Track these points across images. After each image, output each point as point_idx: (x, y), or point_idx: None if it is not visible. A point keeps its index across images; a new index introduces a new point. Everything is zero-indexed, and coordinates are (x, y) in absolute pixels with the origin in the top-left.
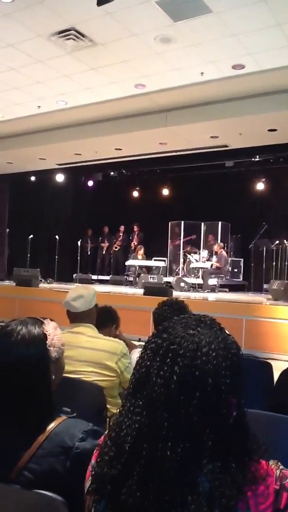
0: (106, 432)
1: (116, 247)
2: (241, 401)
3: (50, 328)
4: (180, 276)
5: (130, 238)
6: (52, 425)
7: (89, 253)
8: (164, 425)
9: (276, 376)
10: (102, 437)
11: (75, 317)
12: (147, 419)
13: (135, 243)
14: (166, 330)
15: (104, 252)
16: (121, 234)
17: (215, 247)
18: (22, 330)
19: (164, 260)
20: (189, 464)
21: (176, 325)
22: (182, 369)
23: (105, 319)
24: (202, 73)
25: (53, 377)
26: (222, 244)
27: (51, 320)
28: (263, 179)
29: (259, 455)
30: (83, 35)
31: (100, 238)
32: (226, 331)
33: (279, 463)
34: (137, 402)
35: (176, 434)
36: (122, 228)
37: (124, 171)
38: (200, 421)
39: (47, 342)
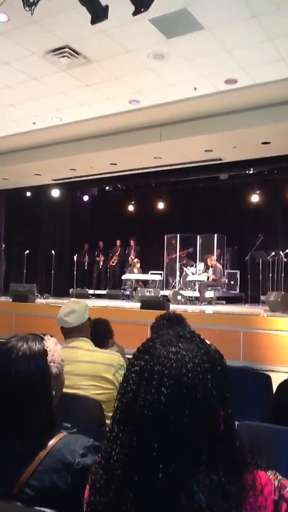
0: (96, 459)
1: (113, 262)
2: (228, 411)
3: (51, 344)
4: (176, 289)
5: (127, 252)
6: (52, 441)
7: (86, 267)
8: (155, 447)
9: (275, 387)
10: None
11: (70, 332)
12: (136, 444)
13: (132, 257)
14: (147, 351)
15: (100, 266)
16: (118, 248)
17: (208, 261)
18: (22, 346)
19: (161, 274)
20: (184, 482)
21: (156, 344)
22: (169, 389)
23: (100, 335)
24: (195, 88)
25: (54, 392)
26: (214, 257)
27: (51, 336)
28: (258, 191)
29: (257, 467)
30: (77, 53)
31: (96, 252)
32: (207, 341)
33: (277, 474)
34: (126, 427)
35: (168, 455)
36: (118, 242)
37: (119, 185)
38: (192, 438)
39: (47, 358)
